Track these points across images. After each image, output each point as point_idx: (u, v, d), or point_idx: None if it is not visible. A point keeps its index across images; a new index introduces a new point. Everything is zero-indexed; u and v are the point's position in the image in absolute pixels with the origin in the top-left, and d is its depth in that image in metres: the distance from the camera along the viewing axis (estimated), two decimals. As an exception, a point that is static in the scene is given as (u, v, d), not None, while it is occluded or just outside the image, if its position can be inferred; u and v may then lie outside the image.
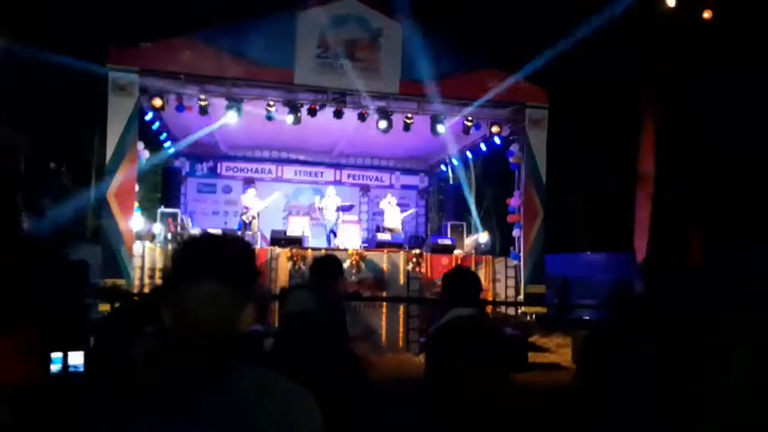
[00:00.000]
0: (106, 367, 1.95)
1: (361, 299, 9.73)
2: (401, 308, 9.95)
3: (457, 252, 11.12)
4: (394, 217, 12.71)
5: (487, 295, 10.23)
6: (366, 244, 11.81)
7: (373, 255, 10.38)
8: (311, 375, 1.52)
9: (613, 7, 10.30)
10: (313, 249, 10.36)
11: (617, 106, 14.56)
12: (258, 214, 11.81)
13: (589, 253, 16.60)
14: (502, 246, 12.61)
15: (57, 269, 2.82)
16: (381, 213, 13.42)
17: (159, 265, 9.59)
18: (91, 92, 10.93)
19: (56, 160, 15.43)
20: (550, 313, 11.06)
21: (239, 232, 11.17)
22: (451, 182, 15.07)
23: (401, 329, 9.85)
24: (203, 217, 13.94)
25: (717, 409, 1.64)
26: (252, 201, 11.86)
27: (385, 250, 10.53)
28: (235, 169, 14.63)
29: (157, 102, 9.82)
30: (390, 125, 10.65)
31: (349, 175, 15.29)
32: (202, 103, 10.08)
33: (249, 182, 14.09)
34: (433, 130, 11.00)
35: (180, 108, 10.19)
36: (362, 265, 10.15)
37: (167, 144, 12.67)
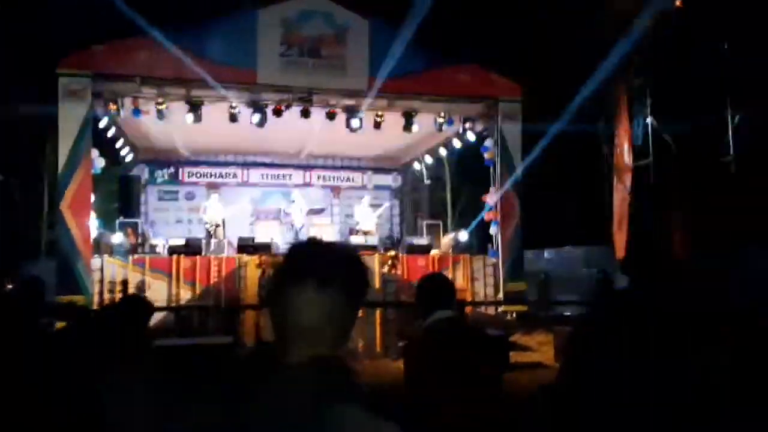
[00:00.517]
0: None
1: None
2: (378, 313, 9.92)
3: (434, 252, 11.16)
4: (368, 218, 12.70)
5: (466, 295, 10.28)
6: (339, 248, 11.75)
7: (346, 259, 10.30)
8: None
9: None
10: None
11: (593, 97, 14.83)
12: (223, 221, 11.67)
13: (568, 247, 16.84)
14: (479, 244, 12.71)
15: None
16: (354, 215, 13.40)
17: (120, 279, 9.41)
18: (41, 99, 10.70)
19: (4, 172, 15.02)
20: (530, 311, 11.18)
21: (203, 241, 11.04)
22: (425, 181, 15.12)
23: (378, 334, 9.82)
24: (166, 226, 13.70)
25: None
26: (215, 207, 11.73)
27: (360, 253, 10.46)
28: (198, 175, 14.44)
29: (112, 107, 9.66)
30: (360, 124, 10.62)
31: (319, 177, 15.21)
32: (160, 107, 9.92)
33: (213, 188, 13.93)
34: (405, 128, 11.02)
35: (136, 112, 10.01)
36: (336, 270, 10.06)
37: (124, 151, 12.44)
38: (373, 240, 11.77)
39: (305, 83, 10.21)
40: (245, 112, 10.27)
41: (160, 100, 9.87)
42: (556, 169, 17.40)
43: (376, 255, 10.55)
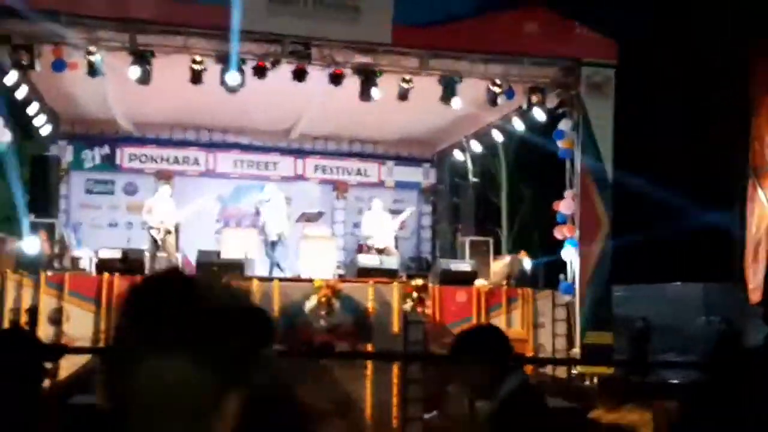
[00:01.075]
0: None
1: (333, 356, 9.67)
2: (395, 369, 9.87)
3: (479, 283, 11.09)
4: (383, 229, 12.68)
5: (525, 348, 10.20)
6: (342, 272, 11.77)
7: (352, 288, 10.33)
8: None
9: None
10: (261, 278, 10.28)
11: (720, 69, 14.68)
12: (177, 227, 11.72)
13: (678, 283, 16.68)
14: (548, 274, 12.66)
15: None
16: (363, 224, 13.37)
17: (26, 305, 9.46)
18: None
19: None
20: (619, 375, 11.12)
21: (147, 255, 11.07)
22: (470, 178, 15.09)
23: (395, 401, 9.75)
24: (95, 231, 13.80)
25: None
26: (166, 206, 11.76)
27: (371, 281, 10.47)
28: (144, 158, 14.55)
29: (23, 57, 9.70)
30: (379, 93, 10.62)
31: (316, 167, 15.28)
32: (93, 58, 9.97)
33: (164, 178, 13.99)
34: (444, 99, 10.99)
35: (59, 65, 10.11)
36: (336, 303, 10.05)
37: (39, 121, 12.53)
38: (391, 262, 11.71)
39: (301, 30, 10.24)
40: (213, 70, 10.28)
41: (92, 48, 9.90)
42: (664, 168, 17.25)
43: (395, 284, 10.51)
